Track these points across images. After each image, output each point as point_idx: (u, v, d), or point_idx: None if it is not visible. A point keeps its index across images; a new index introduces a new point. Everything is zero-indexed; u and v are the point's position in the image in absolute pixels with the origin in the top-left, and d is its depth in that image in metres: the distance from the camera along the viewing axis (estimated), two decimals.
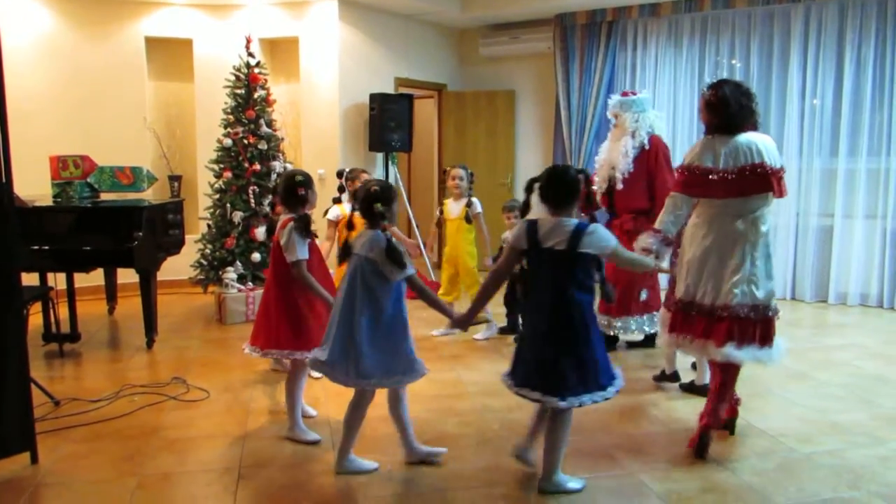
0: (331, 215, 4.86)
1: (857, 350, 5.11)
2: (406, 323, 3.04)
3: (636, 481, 3.04)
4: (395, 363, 2.99)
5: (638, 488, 2.98)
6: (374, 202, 2.97)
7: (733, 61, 7.03)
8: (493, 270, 3.12)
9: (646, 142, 4.81)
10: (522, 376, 2.87)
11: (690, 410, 3.87)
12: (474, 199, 5.46)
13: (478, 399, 4.04)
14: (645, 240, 3.40)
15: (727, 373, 3.33)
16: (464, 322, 3.19)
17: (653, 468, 3.16)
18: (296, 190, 3.45)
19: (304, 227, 3.37)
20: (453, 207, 5.55)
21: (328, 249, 4.55)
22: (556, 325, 2.79)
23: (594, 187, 4.90)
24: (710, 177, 3.27)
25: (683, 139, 7.27)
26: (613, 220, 5.00)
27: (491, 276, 3.10)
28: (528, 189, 2.94)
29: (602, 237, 2.81)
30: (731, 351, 3.21)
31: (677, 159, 7.03)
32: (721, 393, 3.33)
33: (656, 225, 3.45)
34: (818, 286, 6.78)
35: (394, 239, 2.98)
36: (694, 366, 4.28)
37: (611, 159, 4.86)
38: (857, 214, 6.54)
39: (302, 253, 3.35)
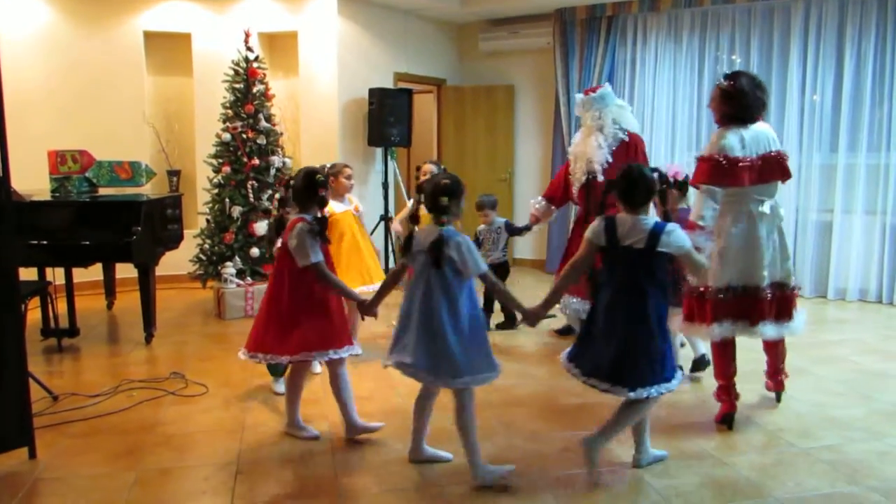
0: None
1: (856, 345, 5.11)
2: (483, 318, 3.02)
3: (635, 476, 3.04)
4: (480, 361, 2.92)
5: (636, 483, 2.98)
6: (441, 195, 2.91)
7: (733, 56, 7.01)
8: (571, 264, 3.09)
9: (624, 135, 4.86)
10: (591, 367, 2.95)
11: (689, 405, 3.87)
12: None
13: (475, 394, 4.02)
14: (695, 238, 3.30)
15: (774, 348, 3.72)
16: (537, 316, 3.12)
17: (651, 464, 3.15)
18: (317, 190, 3.26)
19: (320, 230, 3.19)
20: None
21: None
22: (634, 320, 2.87)
23: (572, 176, 4.98)
24: (741, 164, 3.39)
25: (683, 133, 7.27)
26: (590, 217, 4.98)
27: (568, 270, 3.11)
28: (608, 190, 3.03)
29: (679, 237, 2.89)
30: (768, 329, 3.47)
31: (675, 153, 7.11)
32: (773, 362, 3.79)
33: (694, 219, 3.43)
34: (817, 281, 6.78)
35: (461, 237, 2.90)
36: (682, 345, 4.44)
37: (586, 153, 4.86)
38: (856, 210, 6.53)
39: (315, 256, 3.18)
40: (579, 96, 5.01)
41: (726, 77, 3.53)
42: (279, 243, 3.38)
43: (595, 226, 2.97)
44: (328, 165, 4.75)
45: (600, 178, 4.80)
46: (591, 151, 4.84)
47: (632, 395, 2.86)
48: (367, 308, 3.29)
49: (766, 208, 3.47)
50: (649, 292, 2.86)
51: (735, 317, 3.44)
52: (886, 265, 6.45)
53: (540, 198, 5.21)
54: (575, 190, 5.00)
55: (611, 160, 4.80)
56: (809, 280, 6.76)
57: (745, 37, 6.94)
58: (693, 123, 7.21)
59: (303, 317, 3.26)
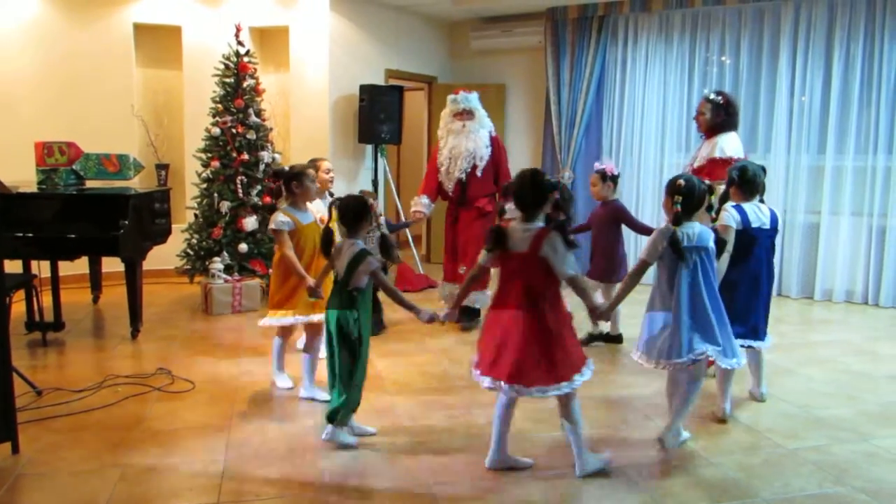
0: (284, 225, 3.86)
1: (843, 346, 5.14)
2: None
3: (622, 476, 3.04)
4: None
5: (624, 483, 2.98)
6: (674, 194, 3.11)
7: (723, 58, 7.03)
8: (727, 253, 3.55)
9: (492, 133, 5.49)
10: (742, 330, 3.57)
11: None
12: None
13: (465, 393, 4.02)
14: None
15: None
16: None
17: (639, 463, 3.16)
18: (545, 195, 2.89)
19: (565, 237, 2.85)
20: (320, 208, 4.31)
21: (295, 258, 3.84)
22: (768, 283, 3.70)
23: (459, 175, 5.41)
24: None
25: (672, 134, 7.29)
26: (461, 208, 5.47)
27: (728, 259, 3.57)
28: (730, 183, 3.65)
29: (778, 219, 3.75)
30: None
31: (665, 152, 7.11)
32: None
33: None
34: (804, 282, 6.82)
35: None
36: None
37: (473, 149, 5.33)
38: (843, 211, 6.57)
39: (572, 266, 2.87)
40: (469, 94, 5.42)
41: (716, 93, 4.42)
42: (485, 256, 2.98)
43: (732, 215, 3.57)
44: (286, 168, 4.21)
45: (479, 173, 5.36)
46: (480, 148, 5.35)
47: (765, 345, 3.72)
48: (603, 313, 3.15)
49: None
50: (773, 261, 3.74)
51: None
52: (872, 267, 6.49)
53: (423, 196, 5.50)
54: (451, 186, 5.42)
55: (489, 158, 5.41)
56: (796, 281, 6.80)
57: (735, 38, 6.97)
58: (683, 123, 7.22)
59: (571, 333, 2.99)
